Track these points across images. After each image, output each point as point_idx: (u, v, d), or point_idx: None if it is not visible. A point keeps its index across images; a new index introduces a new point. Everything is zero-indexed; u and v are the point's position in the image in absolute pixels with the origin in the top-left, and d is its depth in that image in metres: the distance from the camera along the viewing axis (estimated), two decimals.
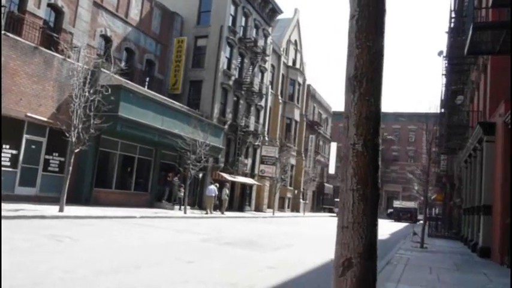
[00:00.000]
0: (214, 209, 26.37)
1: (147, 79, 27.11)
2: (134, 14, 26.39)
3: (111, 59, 18.39)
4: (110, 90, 16.41)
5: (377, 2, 2.05)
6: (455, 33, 18.37)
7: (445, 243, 20.05)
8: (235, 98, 33.41)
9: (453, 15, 18.87)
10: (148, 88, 25.24)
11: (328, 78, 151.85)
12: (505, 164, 11.89)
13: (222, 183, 28.52)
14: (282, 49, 43.19)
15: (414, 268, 9.68)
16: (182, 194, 23.60)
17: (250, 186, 36.57)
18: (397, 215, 53.91)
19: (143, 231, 13.01)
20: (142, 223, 15.27)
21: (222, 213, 26.65)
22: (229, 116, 32.27)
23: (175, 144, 22.00)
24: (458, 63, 20.89)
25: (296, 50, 48.13)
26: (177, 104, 26.28)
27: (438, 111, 26.21)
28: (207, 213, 24.52)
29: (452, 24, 18.95)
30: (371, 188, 2.06)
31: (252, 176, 36.63)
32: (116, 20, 24.86)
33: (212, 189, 25.84)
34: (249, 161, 36.07)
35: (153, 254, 8.68)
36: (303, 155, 49.49)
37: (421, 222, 37.68)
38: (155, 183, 24.89)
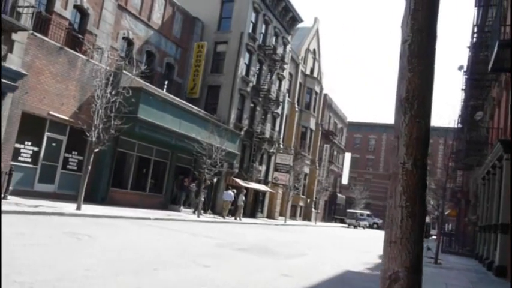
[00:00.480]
0: (228, 214, 26.51)
1: (166, 82, 27.38)
2: (156, 18, 26.76)
3: (133, 61, 18.67)
4: (130, 92, 16.67)
5: (429, 28, 2.11)
6: (478, 49, 18.21)
7: (458, 260, 19.81)
8: (252, 105, 33.55)
9: (475, 30, 18.72)
10: (167, 91, 25.49)
11: (345, 88, 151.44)
12: None
13: (238, 189, 28.63)
14: (300, 58, 43.30)
15: (430, 284, 9.60)
16: (201, 200, 23.55)
17: (263, 193, 36.59)
18: None
19: (159, 232, 13.15)
20: (157, 225, 15.42)
21: (236, 219, 26.74)
22: (245, 122, 32.40)
23: (191, 148, 22.16)
24: (480, 79, 20.66)
25: (314, 59, 48.18)
26: (195, 109, 26.49)
27: (455, 126, 25.94)
28: (222, 216, 24.64)
29: (474, 40, 18.80)
30: (419, 206, 2.12)
31: (266, 183, 36.65)
32: (139, 23, 25.24)
33: (230, 194, 25.97)
34: (263, 168, 36.12)
35: (170, 256, 8.78)
36: (317, 164, 49.39)
37: (434, 237, 37.22)
38: (170, 186, 25.06)
